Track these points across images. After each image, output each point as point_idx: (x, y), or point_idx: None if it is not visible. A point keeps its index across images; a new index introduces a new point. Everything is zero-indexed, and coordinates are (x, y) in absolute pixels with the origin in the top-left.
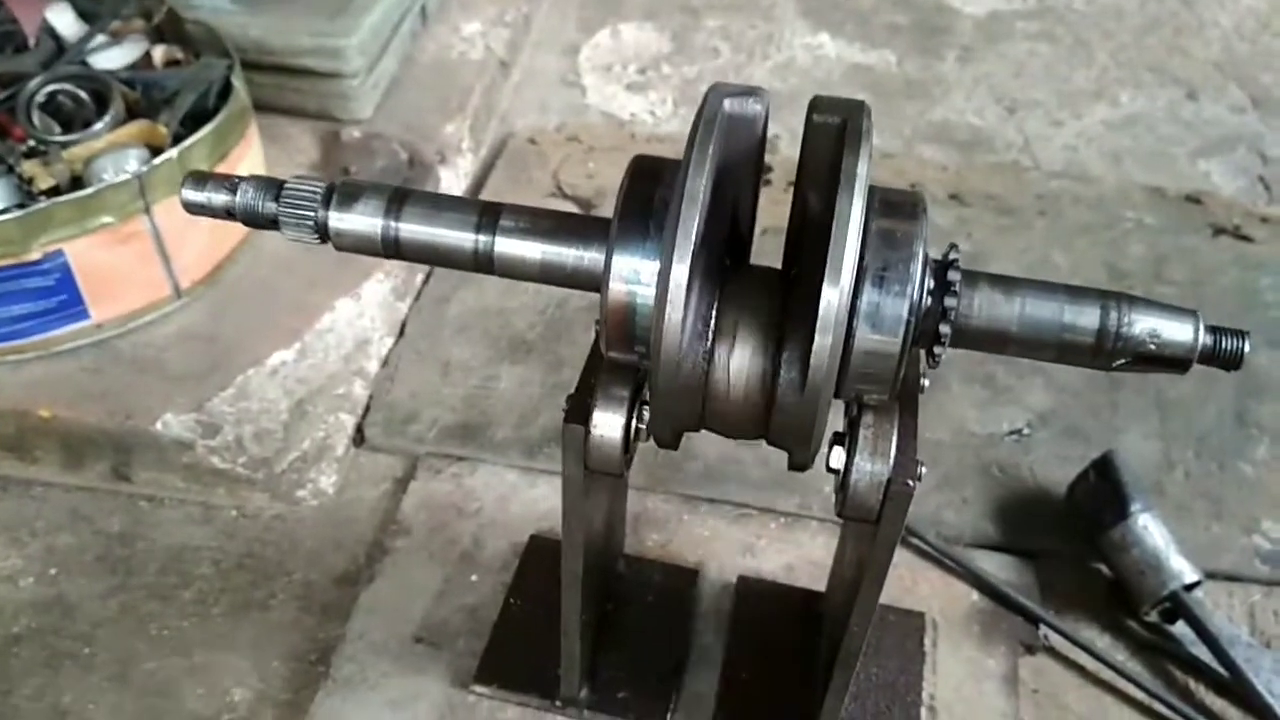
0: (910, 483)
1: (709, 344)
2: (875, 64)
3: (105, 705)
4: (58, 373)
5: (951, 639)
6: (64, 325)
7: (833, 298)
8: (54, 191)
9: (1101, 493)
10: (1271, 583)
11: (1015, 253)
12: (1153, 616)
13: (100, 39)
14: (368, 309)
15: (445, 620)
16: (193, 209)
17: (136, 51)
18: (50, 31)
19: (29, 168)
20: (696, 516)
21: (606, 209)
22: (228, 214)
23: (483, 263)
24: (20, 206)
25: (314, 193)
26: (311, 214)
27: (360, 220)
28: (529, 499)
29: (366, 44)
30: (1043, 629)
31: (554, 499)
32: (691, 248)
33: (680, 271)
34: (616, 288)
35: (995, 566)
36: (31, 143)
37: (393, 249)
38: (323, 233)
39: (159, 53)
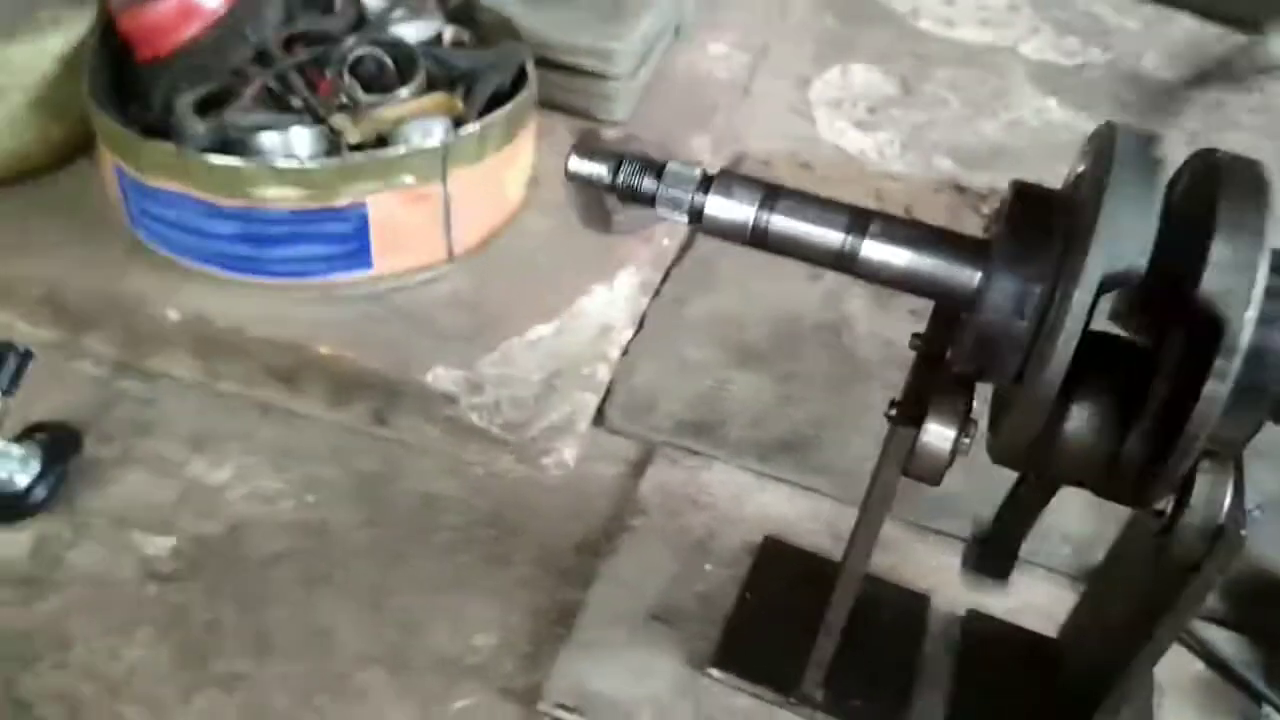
0: (1243, 532)
1: (1067, 394)
2: None
3: (358, 630)
4: (338, 315)
5: (1175, 703)
6: (349, 272)
7: (1218, 390)
8: (357, 147)
9: None
10: None
11: None
12: None
13: (400, 11)
14: (617, 298)
15: (680, 603)
16: (575, 177)
17: (431, 28)
18: None
19: (339, 121)
20: (925, 546)
21: None
22: (606, 186)
23: (844, 261)
24: (327, 155)
25: (693, 178)
26: (688, 197)
27: (736, 209)
28: (759, 502)
29: (635, 49)
30: (1265, 708)
31: (783, 506)
32: (1098, 280)
33: (1082, 301)
34: (991, 309)
35: (1221, 640)
36: (342, 99)
37: (758, 238)
38: (694, 215)
39: (449, 33)
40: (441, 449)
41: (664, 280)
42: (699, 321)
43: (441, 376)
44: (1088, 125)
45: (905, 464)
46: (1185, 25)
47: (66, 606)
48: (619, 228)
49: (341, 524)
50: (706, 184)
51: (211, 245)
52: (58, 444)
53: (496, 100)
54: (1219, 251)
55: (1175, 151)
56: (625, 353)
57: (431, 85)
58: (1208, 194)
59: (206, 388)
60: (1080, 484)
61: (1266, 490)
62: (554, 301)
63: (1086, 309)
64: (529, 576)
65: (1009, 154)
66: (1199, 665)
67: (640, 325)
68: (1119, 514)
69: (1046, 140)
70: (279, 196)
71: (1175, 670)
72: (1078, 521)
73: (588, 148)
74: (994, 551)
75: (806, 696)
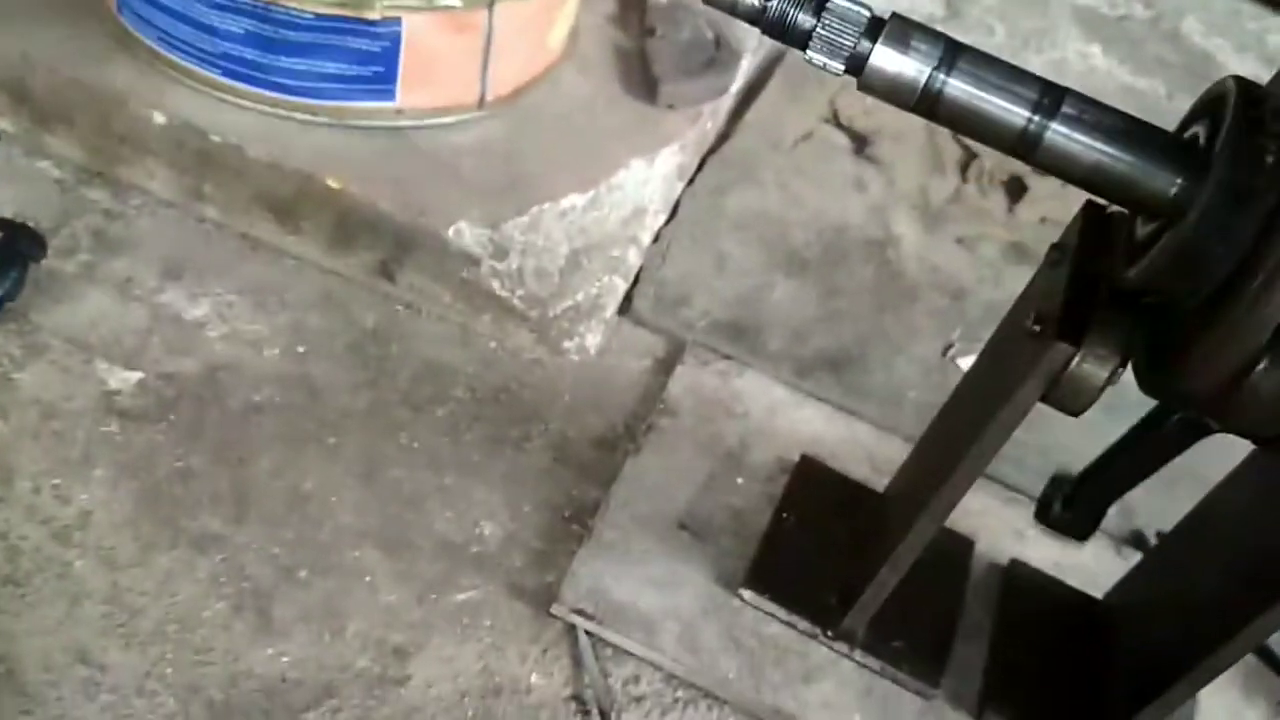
0: None
1: None
2: (1146, 90)
3: (349, 500)
4: (351, 146)
5: (1216, 684)
6: (367, 99)
7: None
8: None
9: None
10: None
11: None
12: None
13: None
14: (654, 178)
15: (710, 514)
16: (717, 2)
17: None
18: None
19: None
20: (971, 491)
21: (880, 148)
22: (752, 16)
23: (1027, 144)
24: None
25: (860, 17)
26: (852, 41)
27: (907, 62)
28: (796, 419)
29: None
30: None
31: (820, 425)
32: None
33: None
34: (1208, 212)
35: None
36: None
37: (929, 103)
38: (855, 66)
39: None
40: (451, 315)
41: (700, 168)
42: (738, 217)
43: (464, 232)
44: (1130, 78)
45: (1049, 387)
46: None
47: (11, 434)
48: (665, 99)
49: (334, 382)
50: (876, 28)
51: (215, 43)
52: (15, 244)
53: None
54: None
55: None
56: (656, 239)
57: None
58: None
59: (187, 209)
60: (1254, 431)
61: None
62: (592, 170)
63: None
64: (543, 466)
65: None
66: None
67: (673, 213)
68: (1167, 479)
69: (1091, 85)
70: None
71: None
72: None
73: None
74: (1081, 510)
75: (847, 632)
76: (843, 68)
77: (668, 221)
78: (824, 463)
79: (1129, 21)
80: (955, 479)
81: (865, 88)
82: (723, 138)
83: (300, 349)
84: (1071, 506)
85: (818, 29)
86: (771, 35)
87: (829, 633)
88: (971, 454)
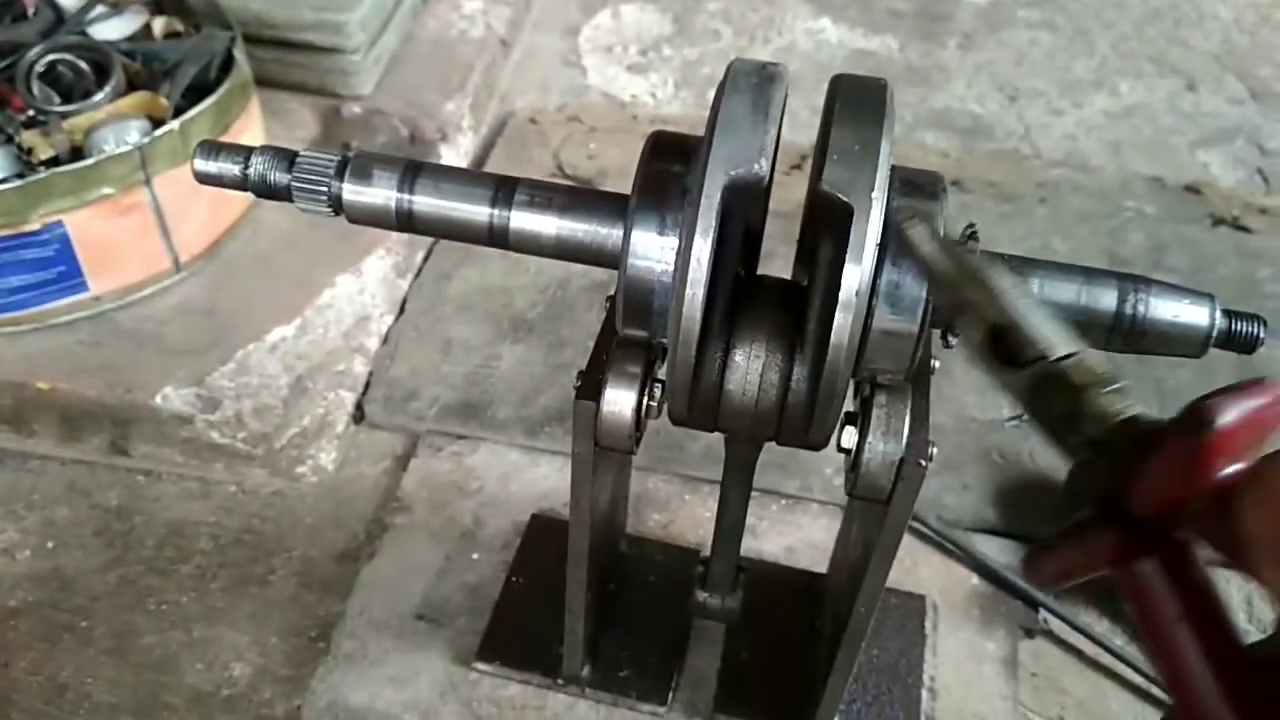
0: (923, 462)
1: (725, 344)
2: (878, 49)
3: (103, 679)
4: (55, 345)
5: (951, 622)
6: (62, 297)
7: (854, 275)
8: (54, 162)
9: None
10: None
11: (1016, 240)
12: None
13: (100, 9)
14: (368, 285)
15: (446, 598)
16: (204, 179)
17: (136, 23)
18: (49, 1)
19: (28, 138)
20: (698, 497)
21: (609, 188)
22: (239, 185)
23: (497, 237)
24: (20, 177)
25: (327, 164)
26: (325, 186)
27: (374, 192)
28: (531, 478)
29: (368, 19)
30: (1042, 613)
31: (555, 479)
32: (715, 224)
33: (708, 211)
34: (634, 264)
35: (995, 551)
36: (31, 113)
37: (406, 222)
38: (335, 205)
39: (159, 24)
40: (186, 472)
41: (427, 258)
42: (465, 298)
43: (171, 396)
44: (862, 42)
45: (596, 436)
46: None
47: None
48: None
49: (83, 568)
50: (342, 169)
51: None
52: None
53: (204, 93)
54: (836, 139)
55: (951, 57)
56: (385, 341)
57: (142, 84)
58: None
59: None
60: (761, 435)
61: None
62: (295, 299)
63: (713, 222)
64: (287, 595)
65: None
66: (974, 579)
67: (401, 310)
68: None
69: (820, 61)
70: None
71: (950, 587)
72: None
73: (212, 145)
74: None
75: (572, 676)
76: (329, 209)
77: (397, 319)
78: (557, 515)
79: None
80: (573, 529)
81: (352, 221)
82: None
83: (50, 545)
84: None
85: (293, 182)
86: (260, 196)
87: (559, 680)
88: (574, 506)
